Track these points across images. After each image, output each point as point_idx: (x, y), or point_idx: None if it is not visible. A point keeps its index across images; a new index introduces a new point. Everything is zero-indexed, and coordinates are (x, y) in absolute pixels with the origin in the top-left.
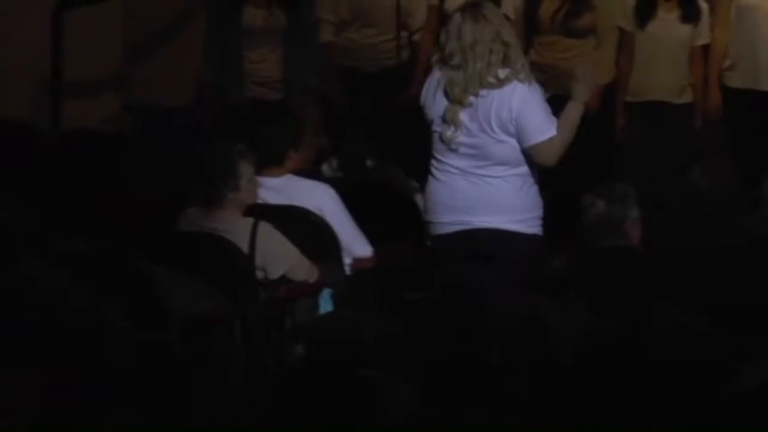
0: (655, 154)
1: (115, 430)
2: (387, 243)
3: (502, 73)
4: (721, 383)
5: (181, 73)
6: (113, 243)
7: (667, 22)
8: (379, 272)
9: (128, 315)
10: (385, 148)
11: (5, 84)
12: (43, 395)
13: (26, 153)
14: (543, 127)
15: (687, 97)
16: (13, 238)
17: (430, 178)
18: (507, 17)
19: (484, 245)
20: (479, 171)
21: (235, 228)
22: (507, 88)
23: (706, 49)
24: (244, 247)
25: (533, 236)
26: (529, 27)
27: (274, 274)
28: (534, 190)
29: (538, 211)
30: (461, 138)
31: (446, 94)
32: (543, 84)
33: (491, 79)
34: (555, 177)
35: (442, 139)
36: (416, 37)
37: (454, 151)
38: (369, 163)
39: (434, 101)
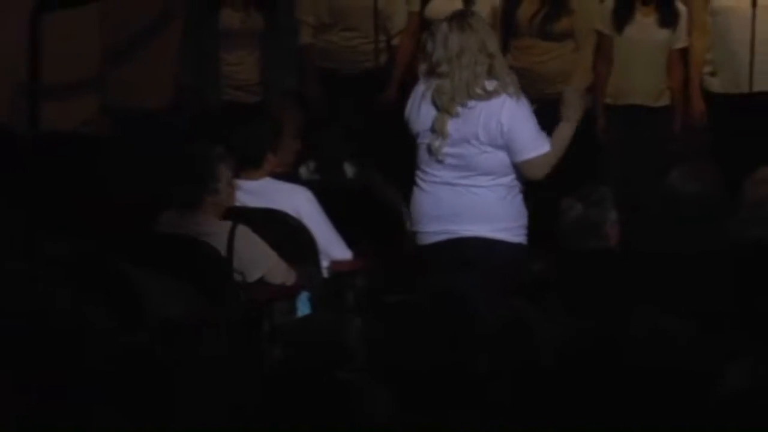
0: (633, 156)
1: None
2: (365, 246)
3: (490, 85)
4: (701, 385)
5: (160, 75)
6: (92, 245)
7: (645, 26)
8: (359, 274)
9: (110, 317)
10: (364, 152)
11: None
12: (25, 398)
13: (3, 155)
14: (536, 143)
15: (665, 100)
16: None
17: (415, 189)
18: None
19: (470, 254)
20: (464, 181)
21: (213, 231)
22: (495, 102)
23: (684, 52)
24: (223, 250)
25: (518, 245)
26: (507, 30)
27: (252, 277)
28: (519, 199)
29: (523, 220)
30: (446, 149)
31: (434, 104)
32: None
33: (479, 90)
34: (534, 181)
35: (429, 150)
36: (395, 41)
37: (440, 161)
38: (349, 169)
39: (419, 114)
